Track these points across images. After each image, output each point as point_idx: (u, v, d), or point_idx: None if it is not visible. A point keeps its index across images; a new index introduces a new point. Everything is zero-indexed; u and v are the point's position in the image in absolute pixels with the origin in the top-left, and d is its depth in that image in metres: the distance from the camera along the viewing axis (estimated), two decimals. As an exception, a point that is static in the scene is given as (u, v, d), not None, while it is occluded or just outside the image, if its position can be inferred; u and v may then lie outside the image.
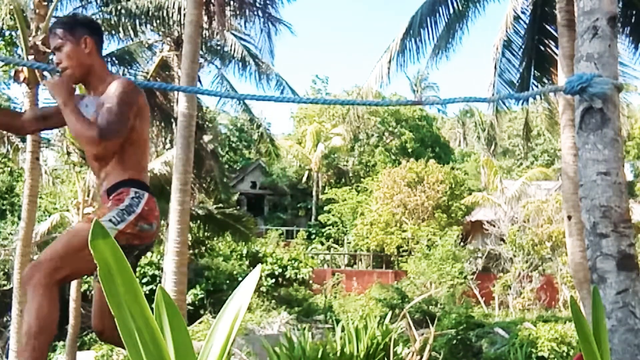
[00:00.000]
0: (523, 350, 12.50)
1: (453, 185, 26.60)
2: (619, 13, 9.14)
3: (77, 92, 2.90)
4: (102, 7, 13.37)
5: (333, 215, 29.69)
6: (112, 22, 13.24)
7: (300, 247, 25.38)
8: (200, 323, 14.69)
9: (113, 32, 13.45)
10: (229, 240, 19.79)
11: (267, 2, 13.42)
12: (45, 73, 9.06)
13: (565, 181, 8.60)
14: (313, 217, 31.80)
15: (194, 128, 9.43)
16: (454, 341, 13.76)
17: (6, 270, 17.80)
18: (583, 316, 2.06)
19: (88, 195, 15.61)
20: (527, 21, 10.84)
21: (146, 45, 16.22)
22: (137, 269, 17.62)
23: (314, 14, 77.08)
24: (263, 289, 19.05)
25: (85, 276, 3.13)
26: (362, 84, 12.98)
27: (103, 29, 13.83)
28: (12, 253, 16.62)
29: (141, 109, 2.83)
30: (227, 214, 17.61)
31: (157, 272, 17.01)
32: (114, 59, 14.51)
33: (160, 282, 13.93)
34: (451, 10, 10.71)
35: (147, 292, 13.64)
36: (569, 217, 8.21)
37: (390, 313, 7.66)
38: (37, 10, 11.07)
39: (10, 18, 11.63)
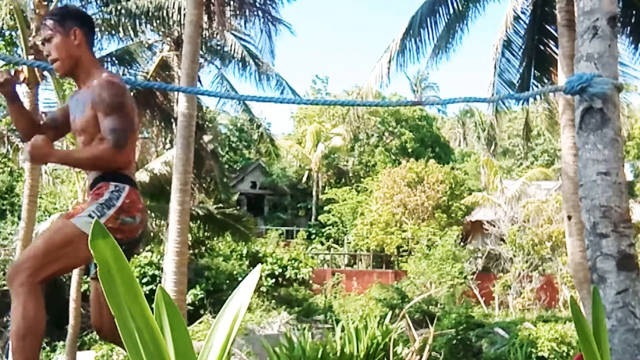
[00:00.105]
0: (523, 350, 12.50)
1: (453, 185, 26.60)
2: (619, 13, 9.14)
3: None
4: (102, 7, 13.38)
5: (333, 215, 29.69)
6: (112, 22, 13.25)
7: (300, 247, 25.37)
8: (200, 323, 14.68)
9: (113, 32, 13.46)
10: (229, 240, 19.78)
11: (267, 2, 13.44)
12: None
13: (565, 181, 8.60)
14: (313, 217, 31.80)
15: (194, 128, 9.43)
16: (454, 341, 13.75)
17: (6, 271, 17.77)
18: (583, 316, 2.06)
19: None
20: (527, 21, 10.84)
21: (146, 45, 16.22)
22: (137, 269, 17.63)
23: (314, 14, 77.14)
24: (263, 289, 19.04)
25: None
26: (362, 84, 12.98)
27: (103, 29, 13.88)
28: (12, 253, 16.62)
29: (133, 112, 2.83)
30: (227, 214, 17.60)
31: (157, 272, 16.99)
32: (114, 59, 14.52)
33: (160, 282, 13.92)
34: (451, 10, 10.71)
35: (147, 292, 13.64)
36: (569, 217, 8.21)
37: (390, 313, 7.65)
38: (37, 10, 11.07)
39: (10, 18, 11.63)
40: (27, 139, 2.73)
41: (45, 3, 11.25)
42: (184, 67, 9.46)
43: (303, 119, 37.25)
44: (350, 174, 34.21)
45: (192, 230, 16.67)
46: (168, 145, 16.91)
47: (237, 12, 13.29)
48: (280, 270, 19.92)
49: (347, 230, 28.86)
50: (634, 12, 10.01)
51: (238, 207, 24.37)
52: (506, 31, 10.98)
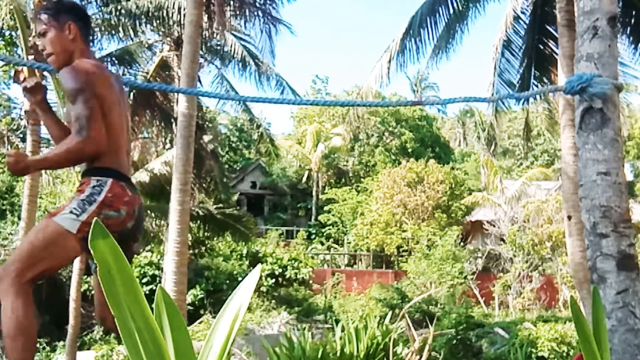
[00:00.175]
0: (523, 350, 12.49)
1: (453, 185, 26.60)
2: (619, 13, 9.14)
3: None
4: (102, 7, 13.37)
5: (333, 215, 29.69)
6: (112, 22, 13.25)
7: (300, 247, 25.36)
8: (200, 323, 14.67)
9: (113, 32, 13.46)
10: (229, 240, 19.76)
11: (267, 2, 13.43)
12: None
13: (565, 181, 8.60)
14: (313, 217, 31.80)
15: (194, 128, 9.43)
16: (454, 341, 13.74)
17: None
18: (583, 316, 2.06)
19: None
20: (527, 21, 10.84)
21: (146, 46, 16.21)
22: (137, 269, 17.60)
23: (314, 14, 77.14)
24: (263, 289, 19.03)
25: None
26: (362, 84, 12.98)
27: (103, 29, 13.87)
28: (11, 253, 16.61)
29: (102, 96, 2.69)
30: (227, 214, 17.59)
31: (157, 272, 16.98)
32: (114, 59, 14.51)
33: (160, 282, 13.92)
34: (451, 10, 10.71)
35: (147, 292, 13.63)
36: (569, 217, 8.21)
37: (390, 313, 7.65)
38: (37, 10, 11.06)
39: (10, 18, 11.63)
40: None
41: (45, 3, 11.26)
42: (184, 67, 9.46)
43: (303, 119, 37.26)
44: (350, 174, 34.22)
45: (192, 230, 16.66)
46: (168, 145, 16.91)
47: (237, 12, 13.30)
48: (280, 270, 19.92)
49: (347, 230, 28.86)
50: (634, 12, 10.01)
51: (238, 207, 24.36)
52: (506, 31, 10.98)
